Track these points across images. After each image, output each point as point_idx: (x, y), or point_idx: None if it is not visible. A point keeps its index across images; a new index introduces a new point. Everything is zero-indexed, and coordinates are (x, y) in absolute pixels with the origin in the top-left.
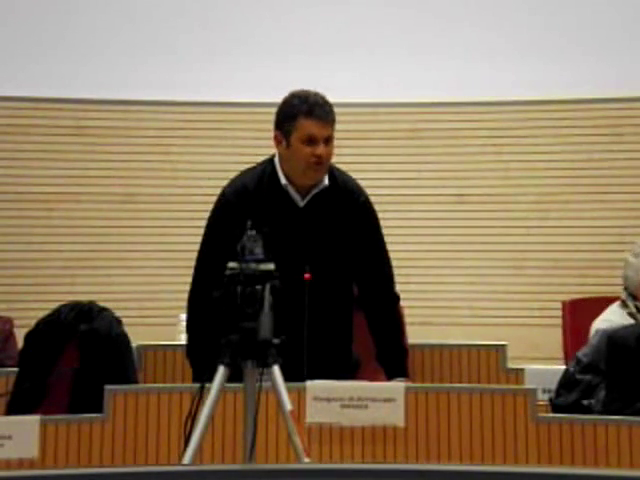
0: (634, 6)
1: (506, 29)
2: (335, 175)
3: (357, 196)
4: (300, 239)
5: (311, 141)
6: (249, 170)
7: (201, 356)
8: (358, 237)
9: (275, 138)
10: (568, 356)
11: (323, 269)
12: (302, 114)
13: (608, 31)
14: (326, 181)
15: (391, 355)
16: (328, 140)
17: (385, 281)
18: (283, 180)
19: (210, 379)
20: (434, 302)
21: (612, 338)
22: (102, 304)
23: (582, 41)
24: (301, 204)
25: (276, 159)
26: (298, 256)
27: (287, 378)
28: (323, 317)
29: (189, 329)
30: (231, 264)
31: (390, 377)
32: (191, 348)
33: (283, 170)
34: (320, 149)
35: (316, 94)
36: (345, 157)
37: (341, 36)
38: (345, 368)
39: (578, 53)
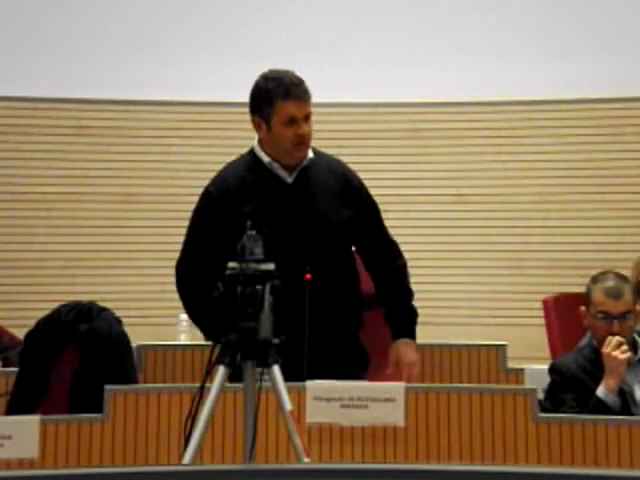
0: (634, 7)
1: (506, 29)
2: (318, 151)
3: (342, 166)
4: (294, 217)
5: (292, 122)
6: (229, 164)
7: (204, 317)
8: (352, 205)
9: (254, 122)
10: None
11: (321, 247)
12: (279, 97)
13: (608, 31)
14: (311, 154)
15: (399, 315)
16: (307, 117)
17: (387, 244)
18: (266, 159)
19: (220, 337)
20: (434, 302)
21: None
22: (102, 304)
23: (582, 41)
24: (289, 180)
25: (255, 143)
26: (294, 237)
27: (288, 378)
28: (326, 312)
29: (181, 293)
30: (231, 264)
31: (396, 337)
32: (191, 314)
33: (265, 152)
34: (302, 128)
35: (287, 73)
36: (345, 157)
37: (340, 35)
38: (355, 364)
39: (578, 53)
